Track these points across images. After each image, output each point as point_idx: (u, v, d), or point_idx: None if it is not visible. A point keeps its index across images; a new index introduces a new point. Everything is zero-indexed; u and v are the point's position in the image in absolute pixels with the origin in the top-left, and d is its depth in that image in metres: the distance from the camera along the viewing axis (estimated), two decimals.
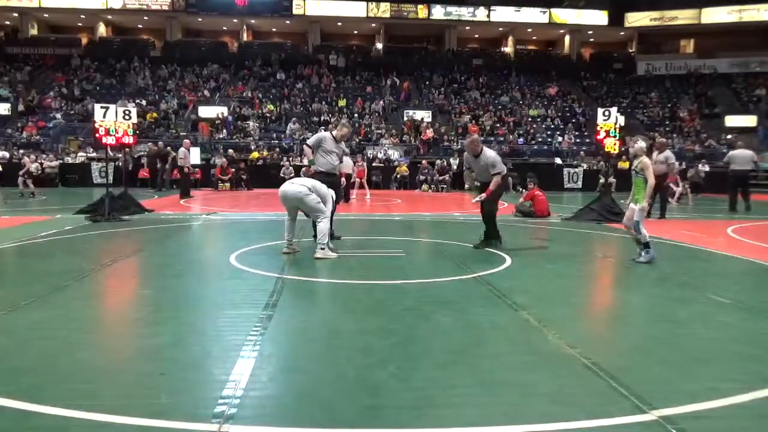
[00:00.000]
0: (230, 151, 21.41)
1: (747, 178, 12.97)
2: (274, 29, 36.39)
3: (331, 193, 6.72)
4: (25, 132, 24.54)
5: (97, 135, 10.64)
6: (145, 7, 33.13)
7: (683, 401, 2.68)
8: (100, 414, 2.47)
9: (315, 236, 6.51)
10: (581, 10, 34.66)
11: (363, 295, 4.82)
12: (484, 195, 6.96)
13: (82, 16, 33.92)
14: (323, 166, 7.31)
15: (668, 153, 11.39)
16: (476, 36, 37.11)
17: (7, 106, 26.16)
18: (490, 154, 7.13)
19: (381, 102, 28.72)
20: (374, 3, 33.89)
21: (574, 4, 34.57)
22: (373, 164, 22.22)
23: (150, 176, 19.27)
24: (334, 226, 7.87)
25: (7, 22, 33.74)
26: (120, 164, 17.44)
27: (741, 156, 12.94)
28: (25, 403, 2.57)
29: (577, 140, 26.18)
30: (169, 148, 18.90)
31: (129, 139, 11.04)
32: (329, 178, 7.22)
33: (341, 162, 7.94)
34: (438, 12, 34.29)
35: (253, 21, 35.04)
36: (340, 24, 35.36)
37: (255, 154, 22.82)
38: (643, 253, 6.35)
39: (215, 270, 6.00)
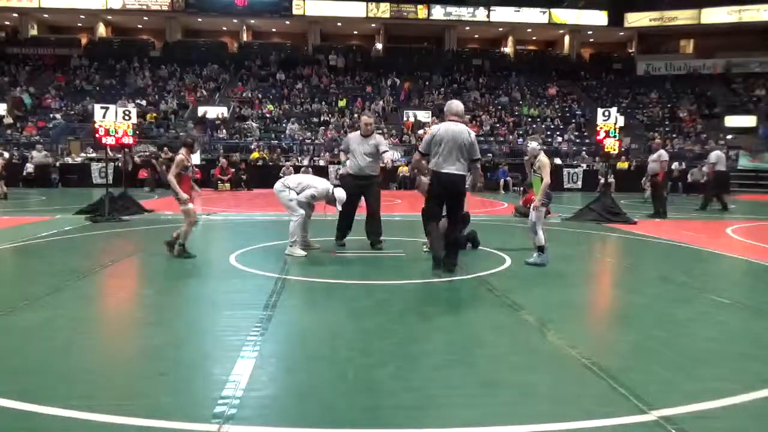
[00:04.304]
0: (222, 156, 21.48)
1: (728, 178, 13.82)
2: (273, 29, 36.35)
3: (312, 193, 6.62)
4: (25, 132, 24.51)
5: (97, 135, 10.65)
6: (144, 7, 33.08)
7: (683, 401, 2.68)
8: (100, 414, 2.47)
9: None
10: (581, 11, 34.60)
11: (363, 295, 4.82)
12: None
13: (82, 17, 33.86)
14: (349, 168, 7.11)
15: (661, 151, 11.93)
16: (476, 36, 37.07)
17: (4, 106, 26.06)
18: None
19: (381, 102, 28.69)
20: (374, 3, 33.84)
21: (573, 5, 34.54)
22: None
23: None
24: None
25: (7, 22, 33.69)
26: (120, 164, 17.41)
27: (723, 157, 13.84)
28: (25, 403, 2.57)
29: (577, 140, 26.15)
30: (166, 148, 18.92)
31: (129, 140, 11.05)
32: (356, 180, 6.99)
33: (378, 159, 7.02)
34: (438, 12, 34.25)
35: (252, 21, 35.00)
36: (339, 24, 35.33)
37: (255, 154, 22.81)
38: (535, 255, 6.22)
39: (215, 270, 6.00)
